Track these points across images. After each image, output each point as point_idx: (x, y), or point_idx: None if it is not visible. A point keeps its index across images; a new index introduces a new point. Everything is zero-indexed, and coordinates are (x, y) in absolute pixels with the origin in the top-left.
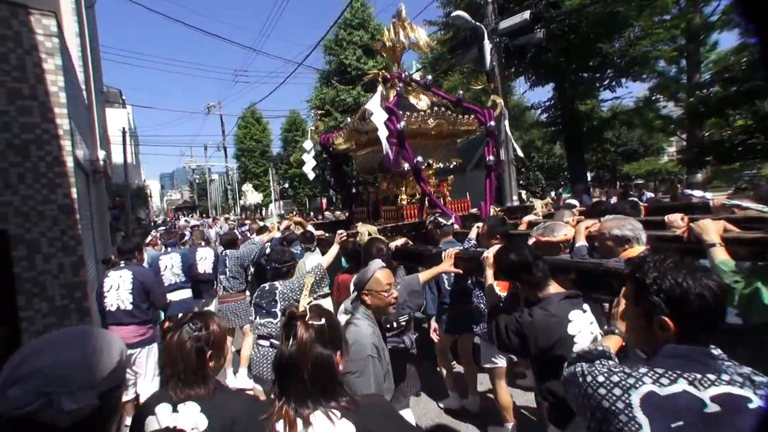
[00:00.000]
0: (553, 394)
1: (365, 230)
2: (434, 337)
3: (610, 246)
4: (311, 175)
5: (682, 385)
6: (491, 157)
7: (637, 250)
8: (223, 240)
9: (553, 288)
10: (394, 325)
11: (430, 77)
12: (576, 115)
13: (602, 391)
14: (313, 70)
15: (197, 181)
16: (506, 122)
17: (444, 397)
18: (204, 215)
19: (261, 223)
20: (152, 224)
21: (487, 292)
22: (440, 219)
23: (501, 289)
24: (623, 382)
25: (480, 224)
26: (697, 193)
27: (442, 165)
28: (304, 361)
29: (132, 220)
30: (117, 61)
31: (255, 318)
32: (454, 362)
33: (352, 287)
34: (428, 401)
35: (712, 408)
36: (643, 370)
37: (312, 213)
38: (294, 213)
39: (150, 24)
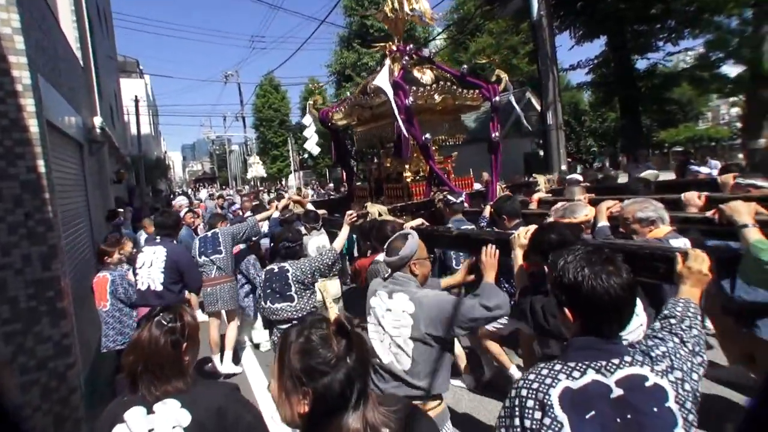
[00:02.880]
0: None
1: (375, 210)
2: None
3: (635, 228)
4: (315, 150)
5: (591, 375)
6: (496, 134)
7: (663, 230)
8: (208, 222)
9: None
10: None
11: (433, 50)
12: (632, 73)
13: (529, 402)
14: (334, 33)
15: (217, 152)
16: (511, 96)
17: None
18: (224, 186)
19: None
20: (172, 195)
21: (518, 273)
22: (450, 197)
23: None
24: (542, 384)
25: (493, 204)
26: (704, 169)
27: (450, 141)
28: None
29: (146, 193)
30: (131, 28)
31: (265, 303)
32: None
33: (384, 266)
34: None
35: (617, 392)
36: (557, 366)
37: (332, 184)
38: (305, 188)
39: None
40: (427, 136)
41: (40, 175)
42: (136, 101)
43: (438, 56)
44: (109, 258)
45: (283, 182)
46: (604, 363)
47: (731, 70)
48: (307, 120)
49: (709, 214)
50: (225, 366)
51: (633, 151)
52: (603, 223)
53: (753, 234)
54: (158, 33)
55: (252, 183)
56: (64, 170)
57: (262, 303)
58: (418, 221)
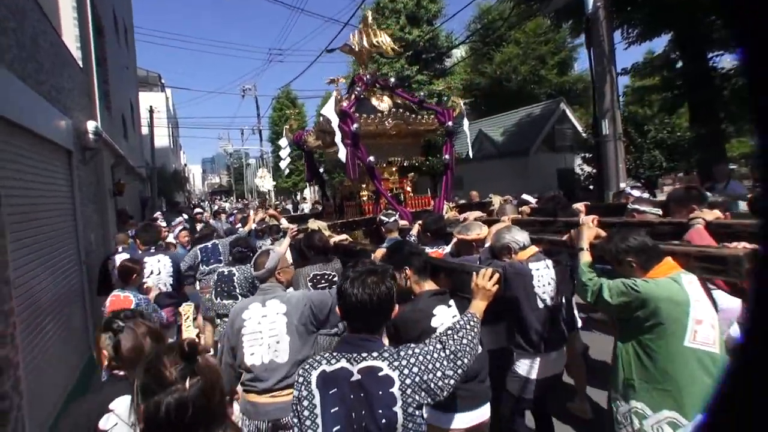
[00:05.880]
0: None
1: (315, 226)
2: None
3: (501, 255)
4: (287, 171)
5: (342, 363)
6: (447, 156)
7: (525, 253)
8: (200, 234)
9: (428, 285)
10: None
11: (392, 79)
12: (709, 73)
13: (300, 379)
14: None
15: (234, 165)
16: (465, 121)
17: None
18: (240, 198)
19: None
20: (190, 207)
21: None
22: (383, 217)
23: None
24: (308, 366)
25: (421, 222)
26: (635, 192)
27: (406, 163)
28: (213, 396)
29: (158, 205)
30: (153, 42)
31: (216, 299)
32: None
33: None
34: None
35: (356, 377)
36: (326, 355)
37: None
38: (277, 205)
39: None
40: (371, 159)
41: None
42: (151, 112)
43: (460, 67)
44: (136, 276)
45: (298, 196)
46: (355, 355)
47: None
48: (283, 142)
49: (565, 237)
50: None
51: (709, 167)
52: (489, 244)
53: (584, 257)
54: (179, 47)
55: (266, 195)
56: (38, 179)
57: (213, 298)
58: (342, 237)
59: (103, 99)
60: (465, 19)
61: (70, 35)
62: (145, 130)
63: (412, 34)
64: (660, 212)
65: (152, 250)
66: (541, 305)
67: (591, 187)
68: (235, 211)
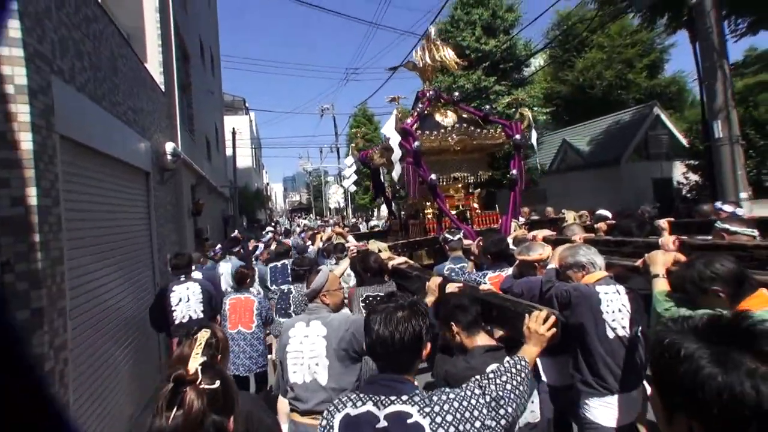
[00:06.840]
0: None
1: (376, 247)
2: None
3: (569, 274)
4: (352, 189)
5: (368, 406)
6: (514, 171)
7: (595, 275)
8: (275, 252)
9: (480, 339)
10: None
11: (456, 93)
12: None
13: (324, 422)
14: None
15: (314, 183)
16: (534, 133)
17: None
18: (319, 216)
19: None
20: (270, 224)
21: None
22: (447, 235)
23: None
24: (333, 408)
25: (480, 243)
26: (727, 207)
27: (472, 179)
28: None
29: (240, 223)
30: (238, 69)
31: (276, 316)
32: None
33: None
34: None
35: (383, 423)
36: (352, 396)
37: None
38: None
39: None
40: (433, 176)
41: (29, 209)
42: (233, 134)
43: (539, 76)
44: (249, 280)
45: (375, 212)
46: (382, 397)
47: None
48: (349, 161)
49: (638, 263)
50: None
51: None
52: (552, 265)
53: (659, 285)
54: (262, 71)
55: (335, 212)
56: (111, 201)
57: (275, 316)
58: (401, 260)
59: (186, 122)
60: (543, 27)
61: (154, 61)
62: (230, 152)
63: (488, 44)
64: (756, 233)
65: (182, 279)
66: (611, 335)
67: (696, 198)
68: (309, 229)
